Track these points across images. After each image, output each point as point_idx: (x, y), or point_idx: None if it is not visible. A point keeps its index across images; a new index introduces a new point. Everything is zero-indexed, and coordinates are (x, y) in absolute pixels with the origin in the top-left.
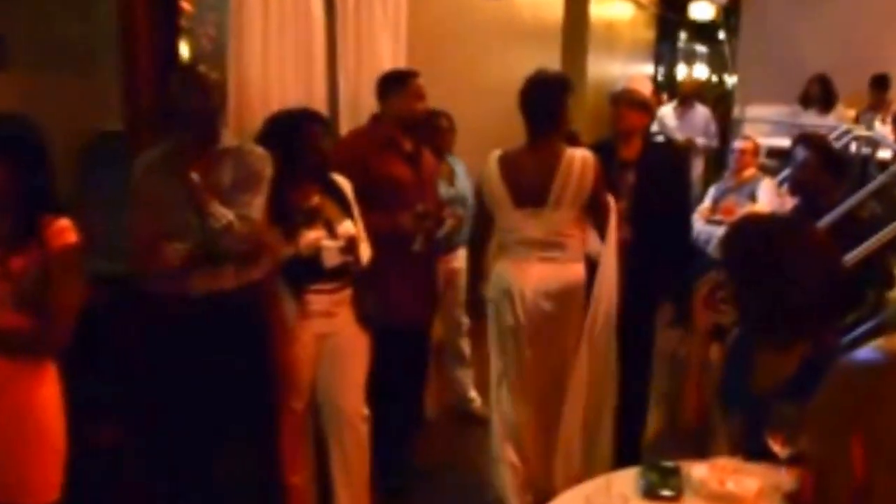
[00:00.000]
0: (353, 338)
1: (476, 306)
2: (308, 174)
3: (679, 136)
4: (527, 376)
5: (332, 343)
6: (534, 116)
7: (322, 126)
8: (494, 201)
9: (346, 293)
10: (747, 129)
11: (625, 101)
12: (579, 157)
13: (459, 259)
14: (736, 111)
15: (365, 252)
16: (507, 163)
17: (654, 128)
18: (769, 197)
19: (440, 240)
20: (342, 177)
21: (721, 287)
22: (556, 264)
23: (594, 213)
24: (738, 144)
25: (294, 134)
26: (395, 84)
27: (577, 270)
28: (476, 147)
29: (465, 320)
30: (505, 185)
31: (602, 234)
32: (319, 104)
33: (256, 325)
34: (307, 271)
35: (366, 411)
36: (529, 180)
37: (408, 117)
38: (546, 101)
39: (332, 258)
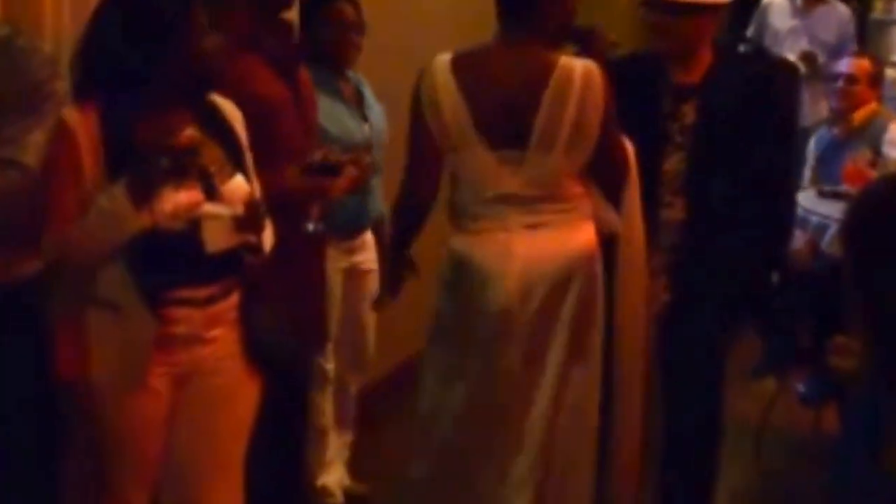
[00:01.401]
0: (233, 383)
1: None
2: (178, 90)
3: (792, 48)
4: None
5: (198, 391)
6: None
7: (203, 7)
8: (449, 134)
9: (230, 304)
10: None
11: (663, 3)
12: (580, 70)
13: (367, 248)
14: (878, 8)
15: (269, 231)
16: (466, 71)
17: (752, 31)
18: None
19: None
20: (227, 100)
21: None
22: (554, 230)
23: (599, 168)
24: (842, 66)
25: (156, 19)
26: None
27: (588, 233)
28: (399, 65)
29: (370, 351)
30: (468, 108)
31: (614, 203)
32: None
33: (22, 353)
34: (170, 263)
35: None
36: (502, 102)
37: None
38: None
39: (219, 237)
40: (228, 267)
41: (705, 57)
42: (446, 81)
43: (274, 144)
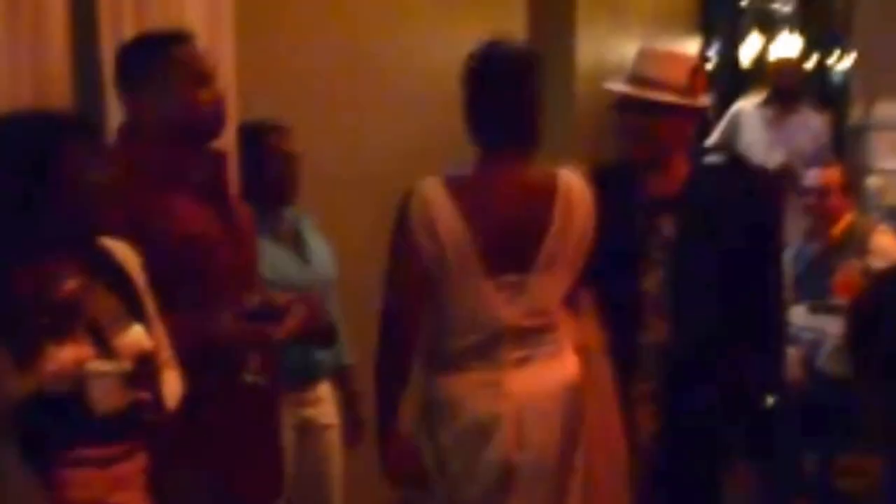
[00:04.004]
0: None
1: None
2: (61, 236)
3: (767, 161)
4: None
5: None
6: (502, 117)
7: (88, 143)
8: (444, 259)
9: (136, 466)
10: (877, 144)
11: (640, 102)
12: (576, 184)
13: (323, 401)
14: (855, 113)
15: (174, 385)
16: (464, 194)
17: (715, 137)
18: None
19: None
20: (120, 242)
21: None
22: (543, 363)
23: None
24: (811, 179)
25: (35, 160)
26: (150, 59)
27: (573, 363)
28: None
29: None
30: (470, 233)
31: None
32: (58, 96)
33: None
34: (61, 423)
35: None
36: (510, 225)
37: (189, 121)
38: (521, 87)
39: (107, 396)
40: (131, 425)
41: (681, 166)
42: (444, 204)
43: (204, 287)
